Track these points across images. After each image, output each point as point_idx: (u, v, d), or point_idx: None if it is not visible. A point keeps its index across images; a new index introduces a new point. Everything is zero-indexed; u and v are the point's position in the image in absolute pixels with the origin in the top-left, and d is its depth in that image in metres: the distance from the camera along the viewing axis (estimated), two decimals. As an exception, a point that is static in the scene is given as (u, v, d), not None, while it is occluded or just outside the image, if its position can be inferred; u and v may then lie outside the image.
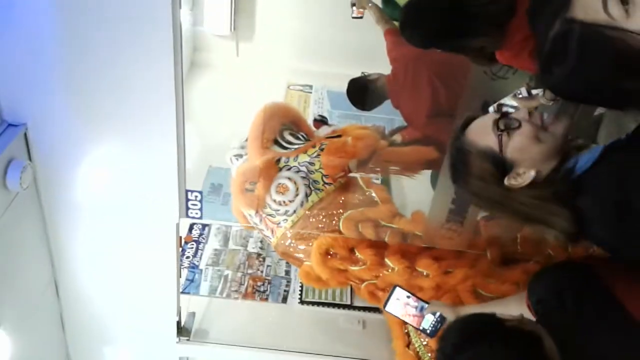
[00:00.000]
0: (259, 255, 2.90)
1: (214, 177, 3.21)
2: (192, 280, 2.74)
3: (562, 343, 1.14)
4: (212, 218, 2.84)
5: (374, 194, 2.32)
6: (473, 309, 1.69)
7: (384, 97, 2.68)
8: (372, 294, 2.28)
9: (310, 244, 2.24)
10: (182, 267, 2.77)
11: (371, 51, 3.59)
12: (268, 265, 2.86)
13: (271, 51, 4.03)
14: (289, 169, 2.22)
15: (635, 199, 0.98)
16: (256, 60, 4.12)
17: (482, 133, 1.16)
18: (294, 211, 2.21)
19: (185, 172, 2.18)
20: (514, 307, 1.37)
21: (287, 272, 2.83)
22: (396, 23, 2.77)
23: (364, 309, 2.72)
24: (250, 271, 2.81)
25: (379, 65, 3.06)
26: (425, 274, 2.16)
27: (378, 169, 2.49)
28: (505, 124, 1.12)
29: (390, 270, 2.17)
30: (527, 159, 1.10)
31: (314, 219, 2.24)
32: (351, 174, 2.30)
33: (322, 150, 2.23)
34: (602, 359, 1.20)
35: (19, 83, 1.97)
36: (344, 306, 2.75)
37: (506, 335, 1.14)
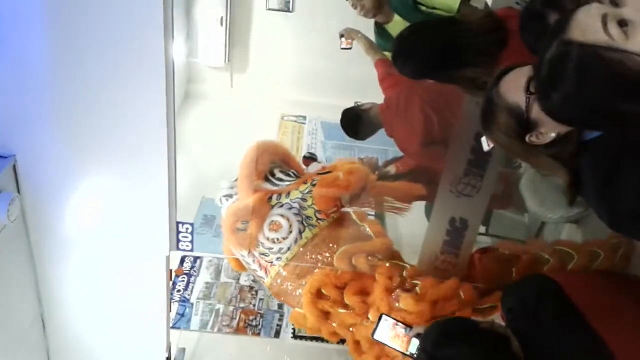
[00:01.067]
0: (251, 288, 2.85)
1: (207, 209, 3.18)
2: (182, 315, 2.67)
3: (526, 343, 1.29)
4: (204, 251, 2.79)
5: (368, 229, 2.30)
6: None
7: (378, 126, 2.68)
8: (357, 344, 2.24)
9: (304, 282, 2.20)
10: (172, 301, 2.71)
11: (365, 82, 3.60)
12: (261, 299, 2.80)
13: (265, 83, 4.05)
14: (281, 206, 2.19)
15: (625, 172, 1.02)
16: (250, 91, 4.14)
17: (513, 89, 1.18)
18: (288, 249, 2.18)
19: (177, 204, 2.16)
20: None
21: (280, 306, 2.77)
22: (387, 54, 2.78)
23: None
24: (242, 305, 2.75)
25: (373, 95, 3.06)
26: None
27: (369, 204, 2.48)
28: (533, 74, 1.13)
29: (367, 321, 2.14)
30: (551, 122, 1.11)
31: (308, 256, 2.21)
32: (344, 209, 2.29)
33: (314, 186, 2.22)
34: (559, 357, 1.33)
35: (8, 114, 1.96)
36: (338, 342, 2.68)
37: (480, 335, 1.31)
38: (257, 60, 4.13)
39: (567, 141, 1.13)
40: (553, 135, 1.13)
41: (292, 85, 4.05)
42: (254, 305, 2.77)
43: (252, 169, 2.20)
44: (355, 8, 2.79)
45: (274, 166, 2.32)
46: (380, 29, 2.83)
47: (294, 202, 2.18)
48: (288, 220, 2.16)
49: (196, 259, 2.97)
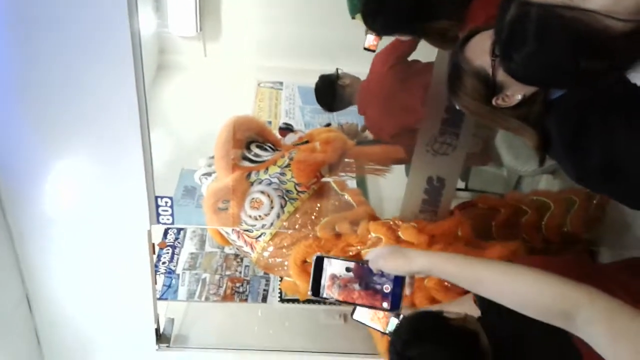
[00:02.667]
0: (236, 256, 2.88)
1: (187, 180, 3.17)
2: (169, 286, 2.70)
3: (496, 342, 1.29)
4: (186, 222, 2.80)
5: (348, 198, 2.32)
6: (432, 308, 1.73)
7: (351, 102, 2.64)
8: None
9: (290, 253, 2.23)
10: (158, 273, 2.74)
11: (339, 46, 3.58)
12: (246, 266, 2.84)
13: (239, 50, 4.00)
14: (260, 183, 2.19)
15: (591, 129, 1.03)
16: (225, 59, 4.09)
17: (478, 52, 1.18)
18: (271, 224, 2.20)
19: (154, 177, 2.15)
20: (467, 306, 1.49)
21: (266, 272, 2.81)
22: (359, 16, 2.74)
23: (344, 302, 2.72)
24: (228, 273, 2.79)
25: (347, 59, 3.04)
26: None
27: (349, 170, 2.49)
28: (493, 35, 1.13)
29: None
30: (516, 84, 1.13)
31: (292, 229, 2.24)
32: (324, 179, 2.29)
33: (291, 159, 2.21)
34: (528, 352, 1.35)
35: (-25, 97, 1.92)
36: (324, 302, 2.74)
37: (450, 333, 1.31)
38: (229, 27, 4.06)
39: (533, 102, 1.15)
40: (519, 96, 1.14)
41: (267, 51, 4.00)
42: (240, 272, 2.80)
43: (227, 148, 2.19)
44: None
45: (249, 141, 2.30)
46: None
47: (273, 177, 2.18)
48: (268, 196, 2.16)
49: (179, 230, 2.98)
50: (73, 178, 2.14)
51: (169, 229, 2.99)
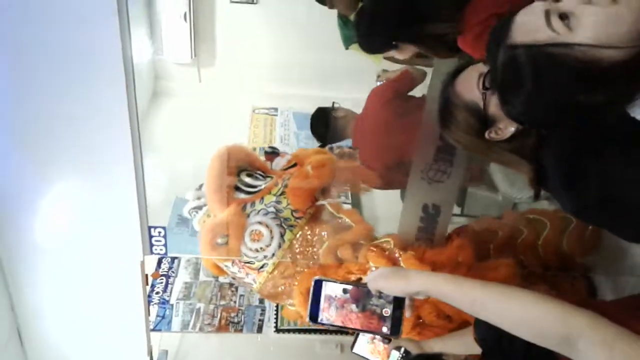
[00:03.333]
0: (231, 285, 2.84)
1: (182, 208, 3.15)
2: (163, 317, 2.66)
3: None
4: (180, 251, 2.76)
5: (346, 219, 2.30)
6: (434, 343, 1.71)
7: (345, 135, 2.63)
8: None
9: (296, 283, 2.20)
10: (151, 303, 2.69)
11: (334, 72, 3.60)
12: (241, 295, 2.80)
13: (234, 76, 4.01)
14: (257, 213, 2.16)
15: (587, 162, 1.02)
16: (219, 85, 4.10)
17: (468, 86, 1.17)
18: (273, 254, 2.16)
19: (147, 207, 2.12)
20: (469, 338, 1.45)
21: (261, 301, 2.77)
22: (355, 46, 2.75)
23: (340, 332, 2.68)
24: (222, 302, 2.74)
25: (342, 85, 3.05)
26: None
27: (343, 188, 2.48)
28: (490, 82, 1.12)
29: None
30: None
31: (294, 256, 2.21)
32: (318, 202, 2.28)
33: (285, 186, 2.19)
34: None
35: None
36: (321, 331, 2.70)
37: None
38: (223, 53, 4.08)
39: (527, 134, 1.13)
40: (512, 129, 1.13)
41: (261, 77, 4.02)
42: (235, 302, 2.76)
43: (220, 182, 2.16)
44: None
45: (240, 170, 2.28)
46: (344, 20, 2.80)
47: (269, 207, 2.16)
48: (267, 226, 2.13)
49: (173, 259, 2.95)
50: (64, 208, 2.11)
51: (162, 257, 2.95)
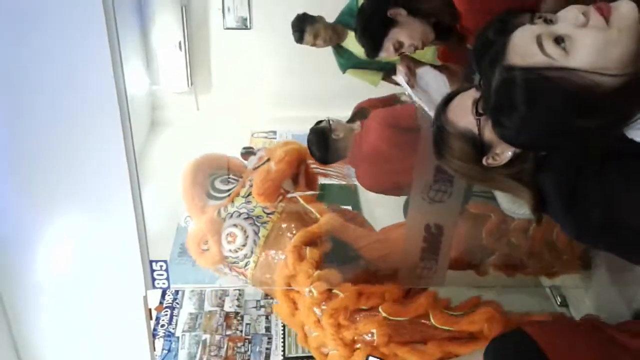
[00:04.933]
0: (236, 314, 2.80)
1: (184, 238, 3.12)
2: (169, 350, 2.62)
3: None
4: (184, 281, 2.74)
5: (314, 211, 2.32)
6: None
7: (345, 155, 2.60)
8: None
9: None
10: (157, 336, 2.66)
11: (331, 93, 3.60)
12: (247, 324, 2.76)
13: (231, 101, 4.01)
14: (231, 217, 2.25)
15: (586, 186, 0.99)
16: (217, 112, 4.10)
17: (461, 114, 1.15)
18: (252, 252, 2.24)
19: (148, 240, 2.11)
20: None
21: (268, 329, 2.73)
22: (352, 70, 2.75)
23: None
24: (228, 332, 2.71)
25: (339, 107, 3.04)
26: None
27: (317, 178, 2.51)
28: (484, 107, 1.10)
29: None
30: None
31: (273, 250, 2.27)
32: (290, 195, 2.30)
33: (251, 186, 2.26)
34: None
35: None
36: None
37: None
38: (220, 80, 4.10)
39: (524, 159, 1.11)
40: (509, 153, 1.10)
41: (259, 101, 4.02)
42: (241, 331, 2.72)
43: (192, 194, 2.29)
44: (314, 46, 2.76)
45: (213, 178, 2.35)
46: (337, 48, 2.80)
47: (240, 208, 2.26)
48: (241, 227, 2.23)
49: (177, 290, 2.92)
50: (64, 246, 2.09)
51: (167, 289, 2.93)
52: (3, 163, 1.94)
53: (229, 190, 2.32)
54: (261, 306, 2.84)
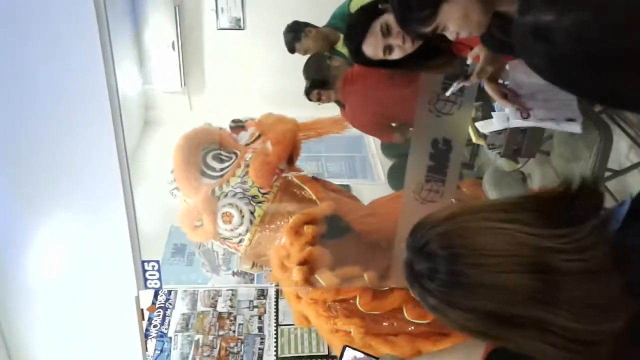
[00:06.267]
0: (229, 314, 2.80)
1: (177, 238, 3.12)
2: (161, 350, 2.62)
3: None
4: (177, 282, 2.74)
5: (310, 192, 2.33)
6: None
7: (335, 86, 2.54)
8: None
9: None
10: (149, 337, 2.66)
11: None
12: (240, 324, 2.76)
13: (224, 101, 4.01)
14: (225, 196, 2.24)
15: None
16: (210, 111, 4.09)
17: None
18: (247, 230, 2.25)
19: (140, 241, 2.11)
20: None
21: (260, 329, 2.74)
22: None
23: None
24: (221, 332, 2.71)
25: (331, 107, 3.04)
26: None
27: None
28: None
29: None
30: None
31: (267, 229, 2.28)
32: (284, 174, 2.31)
33: (247, 166, 2.26)
34: None
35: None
36: (322, 357, 2.66)
37: None
38: (213, 80, 4.09)
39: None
40: None
41: (251, 101, 4.02)
42: (234, 332, 2.73)
43: (186, 174, 2.26)
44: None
45: (205, 153, 2.34)
46: (332, 51, 2.80)
47: (236, 188, 2.25)
48: (237, 207, 2.22)
49: (170, 290, 2.92)
50: (55, 247, 2.09)
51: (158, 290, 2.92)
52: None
53: (222, 169, 2.30)
54: (254, 306, 2.84)
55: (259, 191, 2.26)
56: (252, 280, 2.94)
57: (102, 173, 1.96)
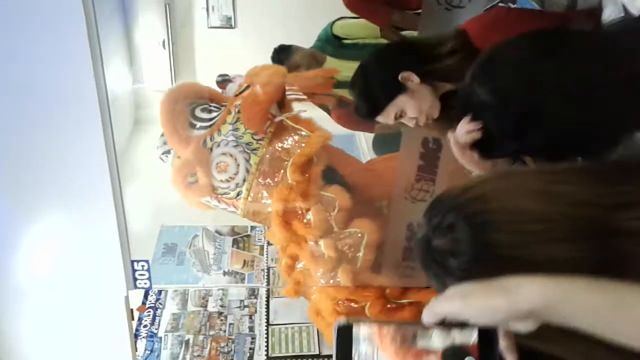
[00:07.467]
0: (220, 314, 2.79)
1: (167, 237, 3.12)
2: (151, 350, 2.60)
3: None
4: (167, 282, 2.73)
5: (304, 131, 2.28)
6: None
7: None
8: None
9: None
10: (139, 337, 2.64)
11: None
12: (230, 324, 2.75)
13: (215, 101, 4.00)
14: (218, 145, 2.17)
15: None
16: (201, 111, 4.08)
17: None
18: (244, 180, 2.18)
19: (129, 240, 2.10)
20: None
21: (251, 329, 2.73)
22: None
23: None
24: (212, 332, 2.70)
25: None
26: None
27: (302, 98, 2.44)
28: None
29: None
30: None
31: (264, 178, 2.21)
32: (277, 119, 2.27)
33: (238, 112, 2.18)
34: None
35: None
36: (313, 357, 2.65)
37: None
38: (204, 80, 4.06)
39: None
40: None
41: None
42: (224, 331, 2.71)
43: (173, 124, 2.17)
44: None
45: (192, 107, 2.28)
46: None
47: (228, 136, 2.18)
48: (231, 155, 2.15)
49: (160, 290, 2.90)
50: (44, 247, 2.08)
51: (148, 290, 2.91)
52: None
53: (212, 118, 2.22)
54: (245, 306, 2.84)
55: (253, 137, 2.18)
56: (242, 280, 2.93)
57: (92, 172, 1.95)
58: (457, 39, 1.49)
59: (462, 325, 0.64)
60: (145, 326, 2.71)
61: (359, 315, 2.13)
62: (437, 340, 0.65)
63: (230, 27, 3.89)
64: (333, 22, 2.62)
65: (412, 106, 1.53)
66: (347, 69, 2.11)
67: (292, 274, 2.26)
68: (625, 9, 1.14)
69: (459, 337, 0.65)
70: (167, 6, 3.80)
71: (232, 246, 3.10)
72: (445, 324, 0.64)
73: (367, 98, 1.58)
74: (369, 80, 1.58)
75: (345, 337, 0.70)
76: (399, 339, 0.66)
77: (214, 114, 2.23)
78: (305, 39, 2.93)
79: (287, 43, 3.08)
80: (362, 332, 0.69)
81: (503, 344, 0.64)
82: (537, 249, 0.64)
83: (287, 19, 3.84)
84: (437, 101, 1.55)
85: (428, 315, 0.65)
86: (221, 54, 3.92)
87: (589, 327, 0.59)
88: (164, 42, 3.82)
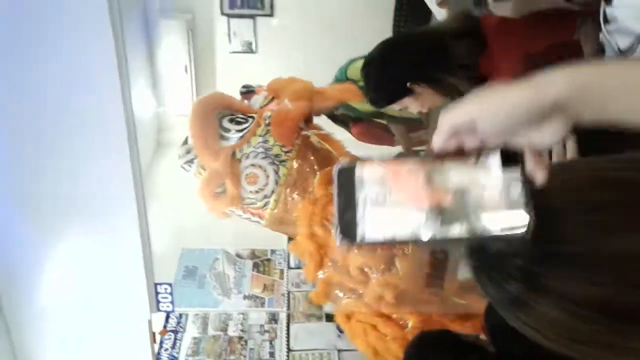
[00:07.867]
0: (240, 338, 2.77)
1: (188, 260, 3.12)
2: (172, 375, 2.59)
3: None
4: (188, 305, 2.73)
5: (331, 150, 2.30)
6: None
7: None
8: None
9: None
10: (160, 361, 2.63)
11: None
12: (251, 348, 2.73)
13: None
14: (247, 157, 2.17)
15: None
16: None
17: None
18: (272, 191, 2.17)
19: (152, 262, 2.11)
20: None
21: (272, 354, 2.70)
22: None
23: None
24: (232, 357, 2.68)
25: (338, 130, 3.06)
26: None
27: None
28: None
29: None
30: None
31: (292, 189, 2.20)
32: (303, 132, 2.29)
33: (268, 125, 2.19)
34: None
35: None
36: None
37: (465, 346, 1.13)
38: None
39: None
40: None
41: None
42: (244, 356, 2.69)
43: (204, 136, 2.16)
44: None
45: (220, 117, 2.30)
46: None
47: (258, 148, 2.18)
48: (260, 167, 2.16)
49: (181, 314, 2.90)
50: (69, 269, 2.10)
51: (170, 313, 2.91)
52: (8, 185, 1.95)
53: (240, 130, 2.25)
54: (265, 331, 2.82)
55: (282, 150, 2.19)
56: (262, 304, 2.92)
57: (117, 194, 1.98)
58: (470, 22, 1.57)
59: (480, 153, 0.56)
60: (166, 349, 2.70)
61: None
62: (454, 175, 0.57)
63: (251, 52, 3.95)
64: (347, 65, 2.65)
65: (416, 104, 1.70)
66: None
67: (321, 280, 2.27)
68: None
69: (479, 173, 0.57)
70: (190, 32, 3.87)
71: (252, 270, 3.09)
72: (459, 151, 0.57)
73: (377, 96, 1.76)
74: (379, 83, 1.72)
75: (347, 180, 0.63)
76: (422, 176, 0.57)
77: (243, 126, 2.27)
78: (325, 63, 2.96)
79: (305, 69, 3.12)
80: (367, 173, 0.62)
81: (530, 164, 0.55)
82: (627, 243, 0.54)
83: (307, 44, 3.90)
84: (439, 97, 1.67)
85: (439, 133, 0.57)
86: (242, 78, 3.96)
87: (626, 109, 0.53)
88: (186, 67, 3.89)
